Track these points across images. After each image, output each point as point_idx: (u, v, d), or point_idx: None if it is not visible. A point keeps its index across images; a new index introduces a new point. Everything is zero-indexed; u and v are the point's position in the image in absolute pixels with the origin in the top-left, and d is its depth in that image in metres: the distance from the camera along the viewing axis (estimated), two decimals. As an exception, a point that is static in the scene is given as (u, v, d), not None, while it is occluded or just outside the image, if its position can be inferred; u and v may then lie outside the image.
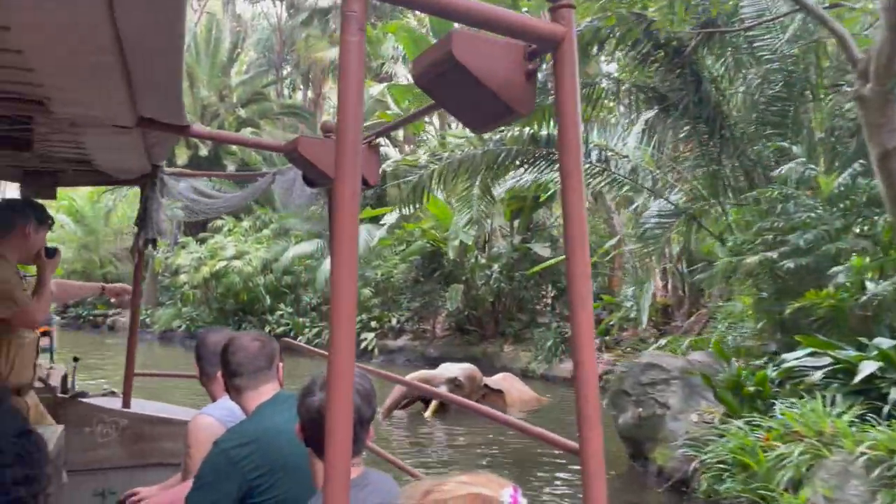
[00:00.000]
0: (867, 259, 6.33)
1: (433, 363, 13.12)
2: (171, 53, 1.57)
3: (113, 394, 3.49)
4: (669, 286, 13.08)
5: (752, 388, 5.82)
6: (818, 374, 5.43)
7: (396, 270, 16.19)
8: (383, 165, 13.79)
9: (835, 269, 6.25)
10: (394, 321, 16.35)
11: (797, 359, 5.70)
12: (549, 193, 12.96)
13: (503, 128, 8.88)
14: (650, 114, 10.47)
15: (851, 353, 5.48)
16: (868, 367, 5.17)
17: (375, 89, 19.06)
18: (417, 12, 15.21)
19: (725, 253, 8.21)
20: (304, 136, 2.46)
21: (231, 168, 20.89)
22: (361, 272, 15.59)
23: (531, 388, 10.62)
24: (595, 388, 1.25)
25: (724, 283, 8.69)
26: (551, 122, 8.91)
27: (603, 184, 9.20)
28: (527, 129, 8.71)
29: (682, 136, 9.25)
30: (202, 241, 19.06)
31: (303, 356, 11.40)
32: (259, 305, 18.27)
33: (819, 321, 6.28)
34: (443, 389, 8.27)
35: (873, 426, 4.73)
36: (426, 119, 18.00)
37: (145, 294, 16.93)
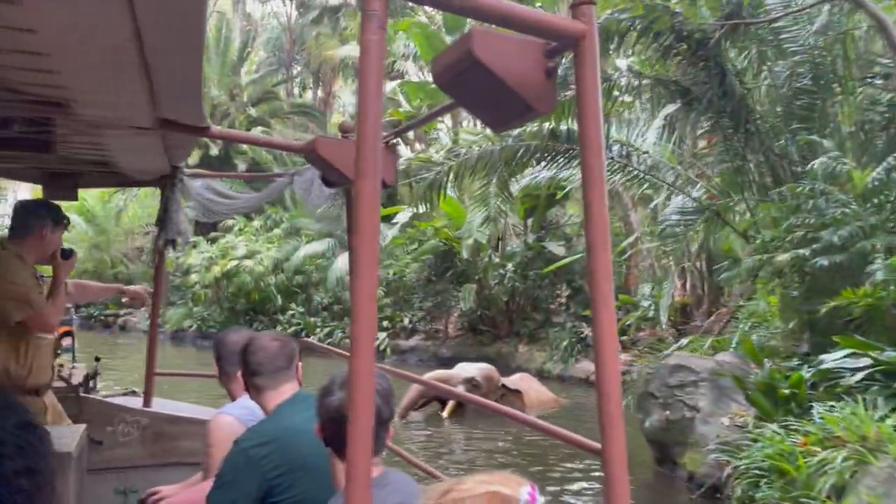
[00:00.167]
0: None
1: (446, 363, 12.96)
2: (192, 55, 1.57)
3: (134, 393, 3.50)
4: (688, 285, 12.83)
5: (786, 391, 5.59)
6: (858, 376, 5.20)
7: (409, 270, 16.03)
8: (395, 163, 13.59)
9: (872, 266, 6.02)
10: (406, 321, 16.20)
11: (835, 360, 5.47)
12: (565, 191, 12.75)
13: (521, 123, 8.68)
14: (670, 109, 10.26)
15: (893, 353, 5.25)
16: (911, 369, 4.95)
17: (387, 87, 18.93)
18: (428, 8, 15.05)
19: (750, 251, 7.99)
20: (321, 136, 2.47)
21: (242, 167, 20.84)
22: (373, 271, 15.40)
23: (547, 388, 10.42)
24: (617, 386, 1.24)
25: (751, 281, 8.45)
26: (570, 117, 8.72)
27: (624, 180, 8.99)
28: (546, 123, 8.51)
29: (705, 130, 9.02)
30: (213, 241, 18.99)
31: (316, 356, 11.27)
32: (270, 305, 18.17)
33: (855, 321, 6.04)
34: (460, 389, 8.10)
35: (919, 431, 4.51)
36: (438, 117, 17.81)
37: (156, 294, 16.95)
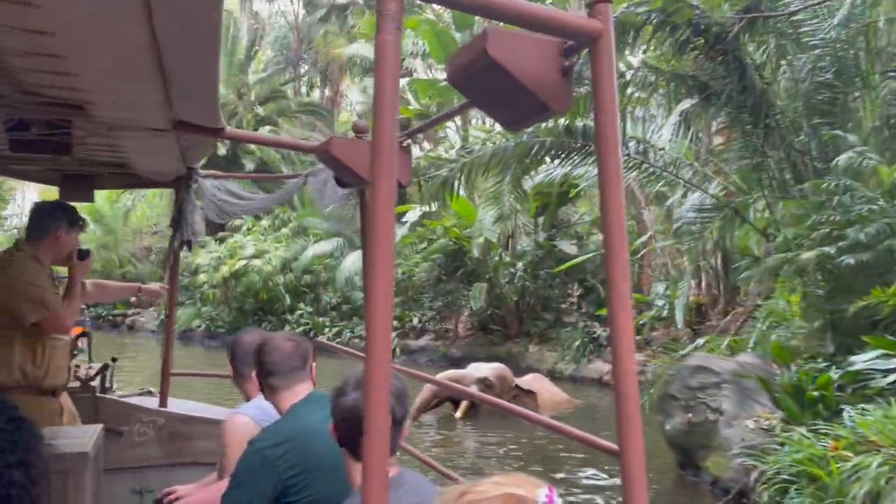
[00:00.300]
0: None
1: (456, 363, 12.82)
2: (207, 57, 1.58)
3: (150, 393, 3.53)
4: (703, 284, 12.64)
5: (814, 393, 5.42)
6: (890, 378, 5.03)
7: (418, 269, 15.89)
8: (404, 162, 13.48)
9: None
10: (415, 321, 16.07)
11: (865, 361, 5.30)
12: (578, 189, 12.58)
13: (535, 120, 8.54)
14: (685, 105, 10.08)
15: (926, 355, 5.08)
16: (946, 371, 4.77)
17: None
18: (436, 6, 14.91)
19: (769, 249, 7.80)
20: (336, 137, 2.45)
21: (250, 167, 20.79)
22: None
23: (560, 389, 10.27)
24: (635, 386, 1.24)
25: (773, 280, 8.27)
26: (585, 113, 8.57)
27: (641, 177, 8.82)
28: (561, 120, 8.36)
29: (723, 126, 8.85)
30: (221, 241, 18.92)
31: (326, 355, 11.17)
32: (279, 305, 18.09)
33: (884, 320, 5.86)
34: (473, 389, 7.96)
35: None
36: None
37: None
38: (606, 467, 6.50)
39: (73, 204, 2.91)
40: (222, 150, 20.54)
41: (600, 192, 1.25)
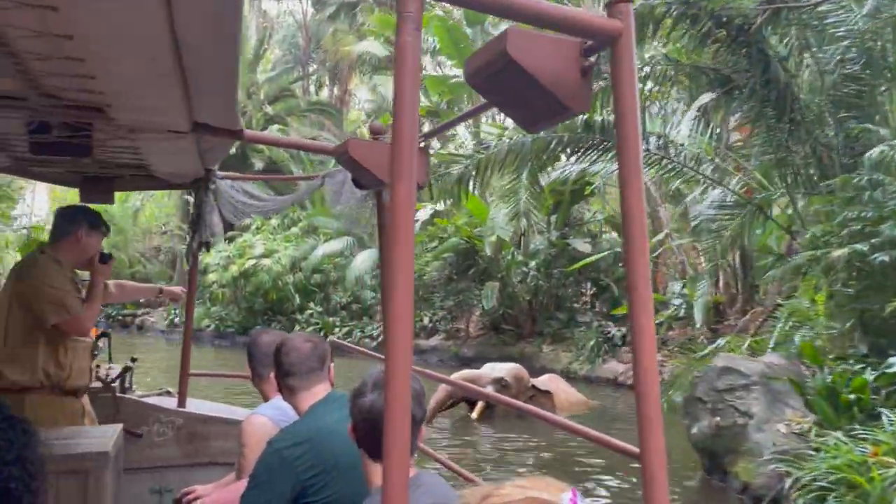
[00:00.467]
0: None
1: (467, 363, 12.65)
2: (227, 59, 1.59)
3: (168, 393, 3.55)
4: (721, 283, 12.39)
5: (850, 396, 5.21)
6: (931, 381, 4.82)
7: (429, 268, 15.72)
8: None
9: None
10: (426, 320, 15.90)
11: (905, 363, 5.08)
12: (593, 186, 12.37)
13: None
14: (704, 99, 9.86)
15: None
16: None
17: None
18: (445, 4, 14.76)
19: (790, 245, 7.58)
20: (353, 138, 2.46)
21: (259, 165, 20.72)
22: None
23: (575, 390, 10.08)
24: (656, 388, 1.22)
25: (797, 278, 8.04)
26: (603, 109, 8.38)
27: (661, 173, 8.61)
28: (579, 115, 8.17)
29: (745, 121, 8.62)
30: (231, 240, 18.81)
31: (340, 356, 11.04)
32: (288, 304, 17.97)
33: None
34: (489, 390, 7.79)
35: None
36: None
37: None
38: (627, 468, 6.31)
39: (94, 208, 2.96)
40: (232, 148, 20.47)
41: (620, 192, 1.24)
